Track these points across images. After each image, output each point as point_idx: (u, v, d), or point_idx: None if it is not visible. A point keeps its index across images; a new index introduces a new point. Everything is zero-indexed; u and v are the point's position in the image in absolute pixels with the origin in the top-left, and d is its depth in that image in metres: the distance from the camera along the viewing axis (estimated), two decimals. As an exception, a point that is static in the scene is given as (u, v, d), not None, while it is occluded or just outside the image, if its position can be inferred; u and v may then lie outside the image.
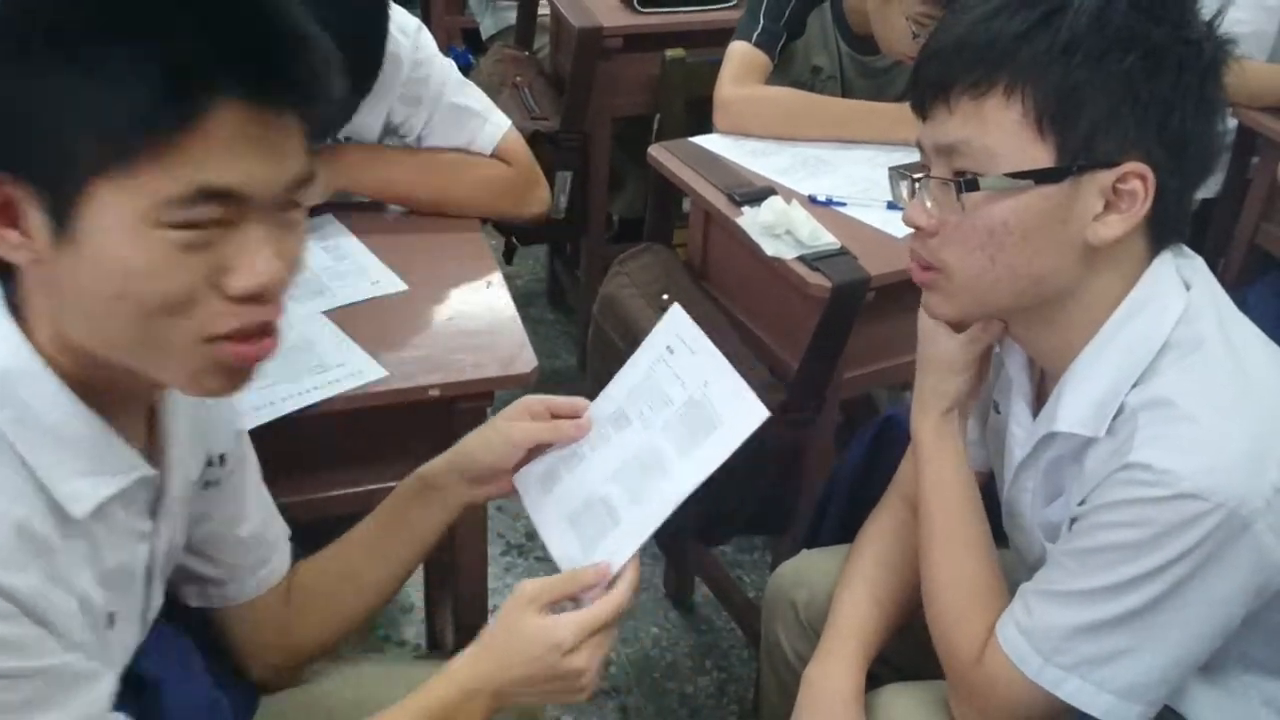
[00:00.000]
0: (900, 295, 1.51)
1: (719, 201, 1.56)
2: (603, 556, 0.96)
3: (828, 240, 1.45)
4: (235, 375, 0.77)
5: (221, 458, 0.96)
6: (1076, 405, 0.94)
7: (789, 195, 1.56)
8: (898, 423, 1.27)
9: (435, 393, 1.22)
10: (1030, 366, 1.04)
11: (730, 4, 2.35)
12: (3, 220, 0.71)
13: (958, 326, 1.04)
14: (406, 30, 1.45)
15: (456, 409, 1.26)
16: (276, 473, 1.23)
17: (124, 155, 0.67)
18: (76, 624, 0.76)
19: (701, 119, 2.01)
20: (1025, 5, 0.88)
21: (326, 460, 1.28)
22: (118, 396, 0.79)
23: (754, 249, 1.47)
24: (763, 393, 1.47)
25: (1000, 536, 1.10)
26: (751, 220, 1.48)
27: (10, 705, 0.71)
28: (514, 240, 2.63)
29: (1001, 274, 0.91)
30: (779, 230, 1.45)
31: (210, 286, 0.71)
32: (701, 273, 1.70)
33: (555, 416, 1.04)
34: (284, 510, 1.21)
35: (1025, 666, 0.94)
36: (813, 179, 1.65)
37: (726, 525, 1.59)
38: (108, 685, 0.80)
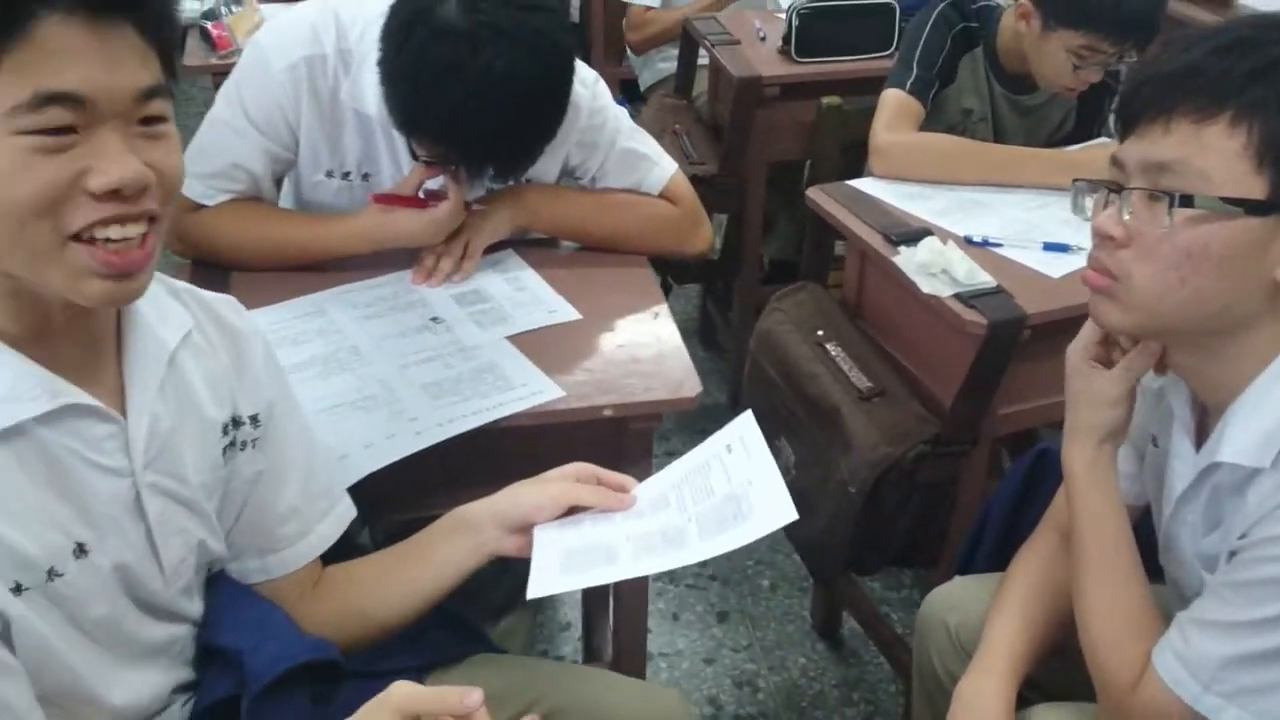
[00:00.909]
0: (1056, 335, 1.53)
1: (875, 241, 1.63)
2: (577, 581, 1.01)
3: (984, 279, 1.50)
4: (112, 282, 0.83)
5: (254, 418, 1.04)
6: (1243, 437, 0.97)
7: (945, 236, 1.61)
8: (1051, 455, 1.31)
9: (609, 413, 1.32)
10: (1193, 400, 1.07)
11: (885, 54, 2.41)
12: None
13: (1107, 344, 1.08)
14: (586, 82, 1.57)
15: (627, 429, 1.35)
16: (463, 485, 1.34)
17: None
18: None
19: (855, 163, 2.07)
20: (1258, 46, 0.93)
21: (509, 477, 1.38)
22: (55, 340, 0.87)
23: (910, 287, 1.52)
24: (918, 425, 1.54)
25: (1153, 571, 1.12)
26: (908, 259, 1.54)
27: None
28: (669, 279, 2.74)
29: (1187, 296, 0.95)
30: (935, 269, 1.50)
31: (75, 188, 0.80)
32: (856, 311, 1.76)
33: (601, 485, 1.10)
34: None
35: (1184, 692, 0.96)
36: (969, 221, 1.69)
37: (878, 554, 1.64)
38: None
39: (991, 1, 2.00)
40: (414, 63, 1.30)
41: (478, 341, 1.41)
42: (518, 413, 1.29)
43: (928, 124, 1.94)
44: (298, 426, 1.10)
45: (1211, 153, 0.93)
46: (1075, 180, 1.06)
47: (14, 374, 0.85)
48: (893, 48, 2.40)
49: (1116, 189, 0.98)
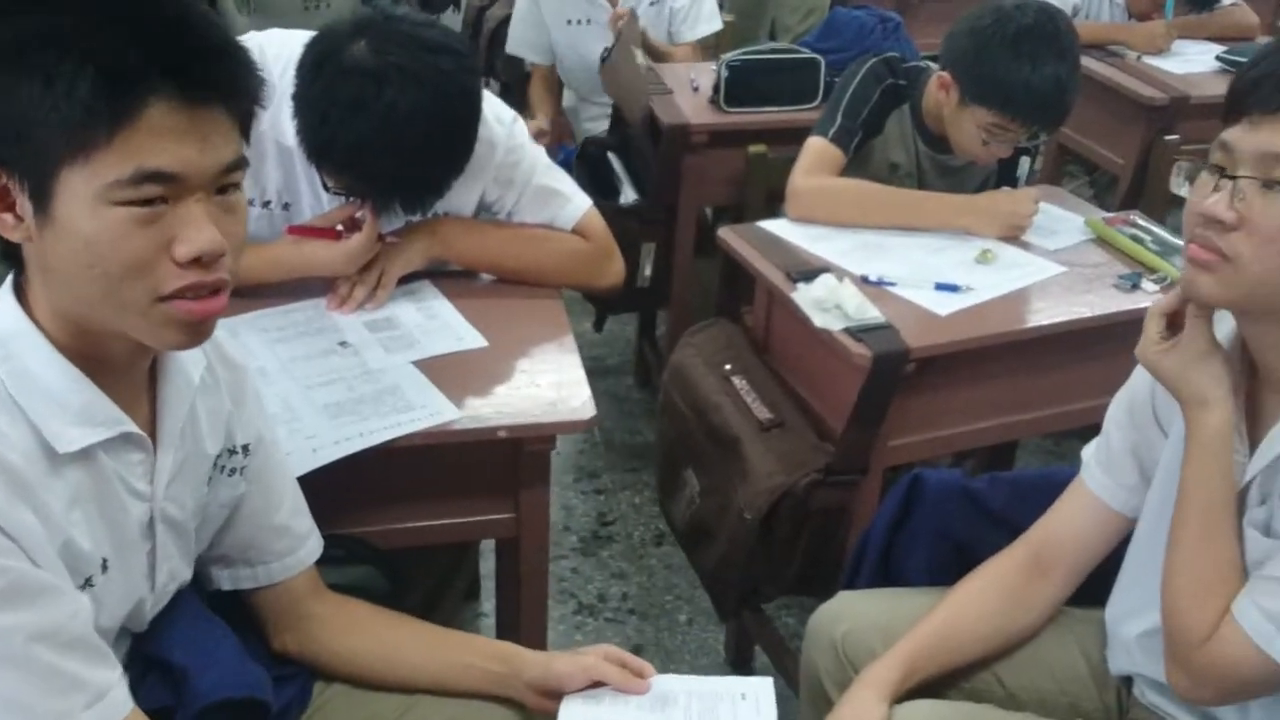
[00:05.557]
0: (943, 369, 1.61)
1: (777, 279, 1.70)
2: None
3: (873, 315, 1.56)
4: (191, 329, 0.92)
5: (245, 448, 1.12)
6: None
7: (843, 275, 1.68)
8: (925, 480, 1.37)
9: (503, 434, 1.36)
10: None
11: (812, 105, 2.50)
12: (1, 205, 0.88)
13: (1172, 326, 1.14)
14: (503, 120, 1.64)
15: (523, 450, 1.40)
16: (363, 504, 1.39)
17: (81, 146, 0.84)
18: (49, 551, 0.89)
19: (781, 210, 2.15)
20: None
21: (415, 499, 1.43)
22: (111, 369, 0.94)
23: (805, 321, 1.59)
24: (811, 454, 1.60)
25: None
26: (804, 295, 1.61)
27: None
28: (601, 312, 2.79)
29: None
30: (829, 305, 1.57)
31: (162, 254, 0.88)
32: (763, 346, 1.82)
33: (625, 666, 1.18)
34: (370, 538, 1.36)
35: (1264, 642, 1.03)
36: (869, 261, 1.77)
37: (775, 582, 1.68)
38: (80, 607, 0.91)
39: (921, 64, 2.08)
40: (322, 97, 1.37)
41: (383, 365, 1.46)
42: (414, 432, 1.34)
43: (856, 174, 1.99)
44: (281, 454, 1.19)
45: None
46: (1189, 162, 1.11)
47: (85, 399, 0.92)
48: (818, 100, 2.49)
49: (1222, 173, 1.04)
